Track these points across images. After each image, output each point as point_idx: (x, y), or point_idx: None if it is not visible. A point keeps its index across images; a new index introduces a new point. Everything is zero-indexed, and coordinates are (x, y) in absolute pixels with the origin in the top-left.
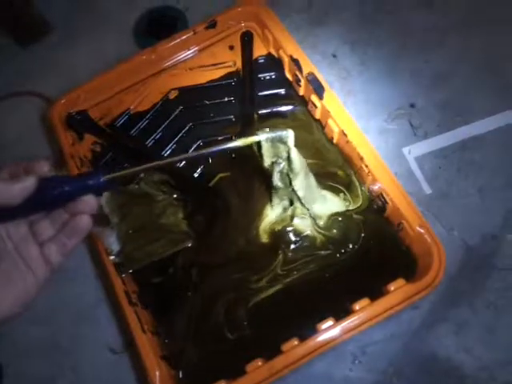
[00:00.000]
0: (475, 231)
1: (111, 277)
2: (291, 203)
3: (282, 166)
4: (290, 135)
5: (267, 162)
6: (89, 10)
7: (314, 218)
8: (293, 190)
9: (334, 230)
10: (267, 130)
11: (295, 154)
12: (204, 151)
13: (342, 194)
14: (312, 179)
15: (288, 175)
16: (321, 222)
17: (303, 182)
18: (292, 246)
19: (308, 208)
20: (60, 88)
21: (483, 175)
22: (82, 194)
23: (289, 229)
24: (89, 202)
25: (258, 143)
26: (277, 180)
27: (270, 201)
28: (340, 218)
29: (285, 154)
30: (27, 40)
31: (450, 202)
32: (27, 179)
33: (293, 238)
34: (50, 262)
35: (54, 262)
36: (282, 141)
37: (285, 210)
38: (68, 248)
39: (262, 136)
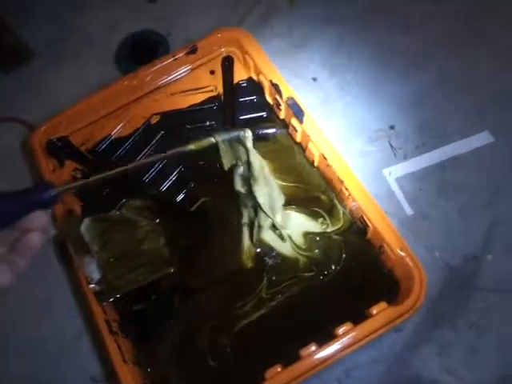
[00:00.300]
0: (456, 252)
1: (91, 305)
2: (255, 212)
3: (241, 169)
4: (247, 135)
5: (226, 165)
6: (72, 35)
7: (290, 238)
8: (254, 196)
9: (316, 251)
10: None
11: (254, 157)
12: (162, 154)
13: (320, 219)
14: (274, 186)
15: (249, 180)
16: (299, 243)
17: (263, 189)
18: (276, 269)
19: (270, 216)
20: (42, 114)
21: (463, 196)
22: (30, 209)
23: (272, 252)
24: (38, 218)
25: (216, 147)
26: (238, 185)
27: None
28: (318, 238)
29: (244, 157)
30: (9, 66)
31: (430, 223)
32: None
33: (276, 261)
34: (7, 276)
35: (3, 281)
36: (241, 142)
37: (250, 220)
38: (20, 267)
39: (218, 137)
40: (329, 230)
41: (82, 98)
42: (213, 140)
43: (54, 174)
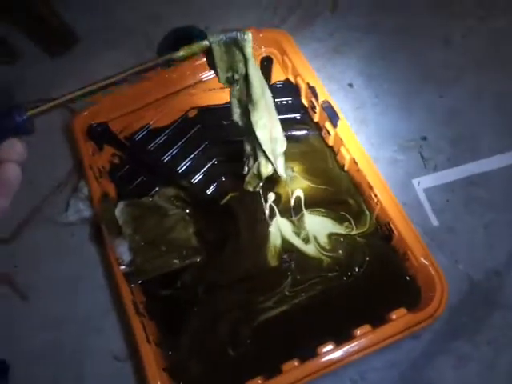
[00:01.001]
0: (479, 266)
1: (120, 286)
2: (255, 158)
3: (238, 87)
4: (247, 37)
5: (222, 77)
6: (117, 24)
7: (316, 239)
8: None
9: (340, 252)
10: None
11: (254, 70)
12: (149, 63)
13: (346, 223)
14: (276, 119)
15: (247, 104)
16: (323, 243)
17: (263, 118)
18: (300, 268)
19: (271, 161)
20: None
21: (490, 211)
22: (1, 138)
23: (296, 253)
24: (13, 146)
25: (211, 54)
26: (235, 114)
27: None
28: (342, 239)
29: (242, 69)
30: (55, 50)
31: (455, 236)
32: None
33: (300, 261)
34: None
35: None
36: (238, 46)
37: (250, 172)
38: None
39: (212, 39)
40: (353, 232)
41: (122, 87)
42: (206, 43)
43: (93, 157)
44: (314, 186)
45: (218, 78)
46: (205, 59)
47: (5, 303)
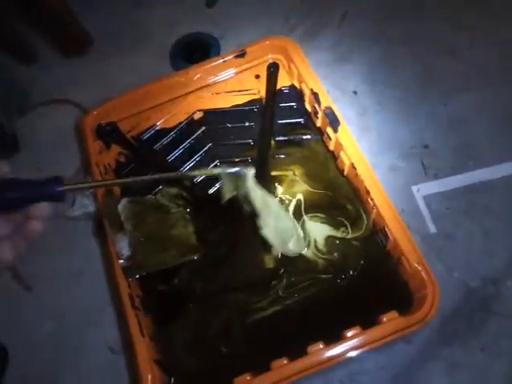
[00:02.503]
0: (476, 274)
1: (118, 279)
2: None
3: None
4: (248, 174)
5: (225, 197)
6: (131, 29)
7: (315, 242)
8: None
9: (335, 254)
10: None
11: (255, 194)
12: (163, 175)
13: (343, 228)
14: (284, 218)
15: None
16: (320, 245)
17: (269, 224)
18: (295, 270)
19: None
20: (96, 99)
21: (489, 220)
22: (38, 199)
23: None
24: (43, 209)
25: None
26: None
27: None
28: (338, 242)
29: (244, 190)
30: (71, 52)
31: (453, 243)
32: None
33: (296, 263)
34: (2, 258)
35: (5, 259)
36: (241, 177)
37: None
38: (21, 249)
39: (219, 170)
40: (349, 236)
41: (133, 88)
42: (216, 172)
43: (100, 155)
44: (313, 190)
45: (223, 195)
46: (215, 63)
47: (9, 293)
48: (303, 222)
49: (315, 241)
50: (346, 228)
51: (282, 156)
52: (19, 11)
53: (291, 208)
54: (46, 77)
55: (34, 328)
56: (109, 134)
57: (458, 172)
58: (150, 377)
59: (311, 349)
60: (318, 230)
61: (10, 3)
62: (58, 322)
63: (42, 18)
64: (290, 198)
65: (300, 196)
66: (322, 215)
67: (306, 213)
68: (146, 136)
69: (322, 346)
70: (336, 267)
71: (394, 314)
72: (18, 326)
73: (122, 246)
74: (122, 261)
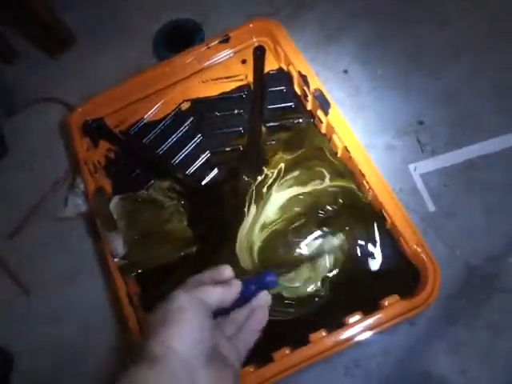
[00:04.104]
0: (478, 252)
1: (114, 278)
2: None
3: None
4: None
5: None
6: (113, 22)
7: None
8: None
9: None
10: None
11: None
12: None
13: None
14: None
15: None
16: None
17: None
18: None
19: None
20: (82, 96)
21: (490, 195)
22: (259, 291)
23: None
24: (265, 296)
25: None
26: None
27: None
28: None
29: None
30: (54, 50)
31: (453, 221)
32: (237, 283)
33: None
34: (239, 353)
35: (240, 354)
36: None
37: None
38: (250, 343)
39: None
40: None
41: (119, 82)
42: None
43: (88, 153)
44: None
45: None
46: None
47: (9, 298)
48: None
49: None
50: None
51: (273, 142)
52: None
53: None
54: (30, 76)
55: (36, 332)
56: (96, 130)
57: (455, 147)
58: None
59: (313, 337)
60: None
61: None
62: (58, 326)
63: (21, 17)
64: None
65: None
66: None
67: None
68: (134, 130)
69: (324, 334)
70: None
71: (395, 297)
72: (21, 332)
73: (117, 245)
74: (117, 259)
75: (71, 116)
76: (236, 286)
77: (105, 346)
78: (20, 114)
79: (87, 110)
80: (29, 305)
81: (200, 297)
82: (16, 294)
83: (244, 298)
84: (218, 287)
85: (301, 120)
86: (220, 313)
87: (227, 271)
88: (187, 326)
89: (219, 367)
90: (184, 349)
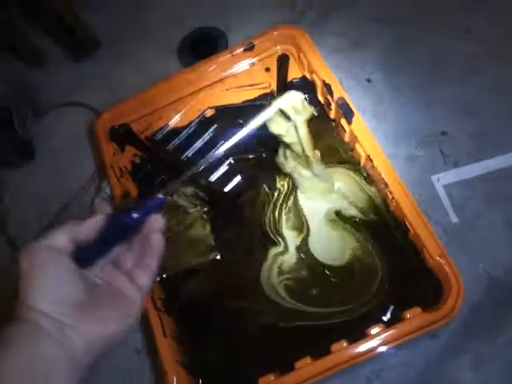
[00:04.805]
0: (500, 264)
1: None
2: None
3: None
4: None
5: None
6: (137, 28)
7: None
8: None
9: None
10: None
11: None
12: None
13: None
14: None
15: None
16: None
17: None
18: None
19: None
20: (106, 101)
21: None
22: (147, 216)
23: None
24: (156, 220)
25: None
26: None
27: None
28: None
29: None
30: (79, 55)
31: (476, 233)
32: (96, 215)
33: None
34: (141, 285)
35: (143, 284)
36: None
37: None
38: (151, 267)
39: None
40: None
41: (144, 88)
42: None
43: (114, 157)
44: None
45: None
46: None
47: None
48: None
49: None
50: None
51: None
52: (26, 15)
53: None
54: (56, 80)
55: None
56: (122, 135)
57: (479, 159)
58: (175, 379)
59: (335, 347)
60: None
61: (16, 8)
62: None
63: (48, 21)
64: None
65: None
66: None
67: None
68: (159, 136)
69: (345, 345)
70: None
71: (417, 309)
72: None
73: None
74: None
75: (98, 121)
76: (94, 218)
77: (127, 347)
78: (46, 118)
79: (114, 115)
80: None
81: (48, 243)
82: None
83: (133, 228)
84: (67, 225)
85: (323, 128)
86: (106, 246)
87: (104, 208)
88: (40, 282)
89: (105, 307)
90: (45, 307)
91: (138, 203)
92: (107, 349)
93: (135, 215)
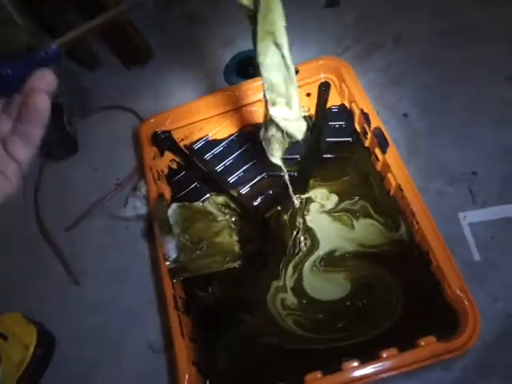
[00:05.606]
0: None
1: (163, 280)
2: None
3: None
4: None
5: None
6: (189, 44)
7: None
8: None
9: None
10: None
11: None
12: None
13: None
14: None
15: None
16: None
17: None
18: None
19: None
20: (152, 108)
21: None
22: (32, 70)
23: None
24: (43, 76)
25: None
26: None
27: None
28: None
29: None
30: (133, 62)
31: (497, 273)
32: None
33: None
34: (17, 158)
35: (20, 157)
36: None
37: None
38: (31, 137)
39: None
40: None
41: (189, 99)
42: None
43: (154, 161)
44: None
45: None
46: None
47: (60, 285)
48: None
49: None
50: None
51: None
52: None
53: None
54: (106, 84)
55: (79, 322)
56: (163, 141)
57: (507, 202)
58: (187, 377)
59: (346, 366)
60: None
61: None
62: (101, 318)
63: (107, 29)
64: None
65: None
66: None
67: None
68: (198, 146)
69: (356, 364)
70: None
71: (431, 338)
72: (66, 318)
73: (170, 249)
74: (168, 262)
75: (143, 125)
76: None
77: (143, 344)
78: (92, 117)
79: (158, 121)
80: (76, 294)
81: None
82: (66, 282)
83: (8, 81)
84: None
85: (356, 156)
86: None
87: None
88: None
89: None
90: None
91: (24, 54)
92: None
93: (9, 70)
